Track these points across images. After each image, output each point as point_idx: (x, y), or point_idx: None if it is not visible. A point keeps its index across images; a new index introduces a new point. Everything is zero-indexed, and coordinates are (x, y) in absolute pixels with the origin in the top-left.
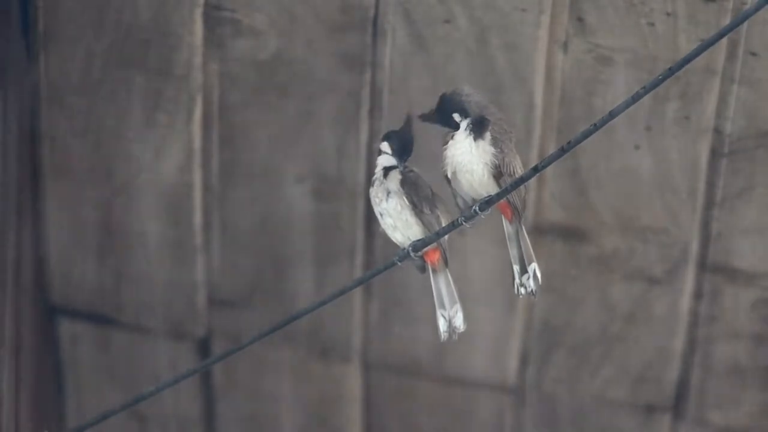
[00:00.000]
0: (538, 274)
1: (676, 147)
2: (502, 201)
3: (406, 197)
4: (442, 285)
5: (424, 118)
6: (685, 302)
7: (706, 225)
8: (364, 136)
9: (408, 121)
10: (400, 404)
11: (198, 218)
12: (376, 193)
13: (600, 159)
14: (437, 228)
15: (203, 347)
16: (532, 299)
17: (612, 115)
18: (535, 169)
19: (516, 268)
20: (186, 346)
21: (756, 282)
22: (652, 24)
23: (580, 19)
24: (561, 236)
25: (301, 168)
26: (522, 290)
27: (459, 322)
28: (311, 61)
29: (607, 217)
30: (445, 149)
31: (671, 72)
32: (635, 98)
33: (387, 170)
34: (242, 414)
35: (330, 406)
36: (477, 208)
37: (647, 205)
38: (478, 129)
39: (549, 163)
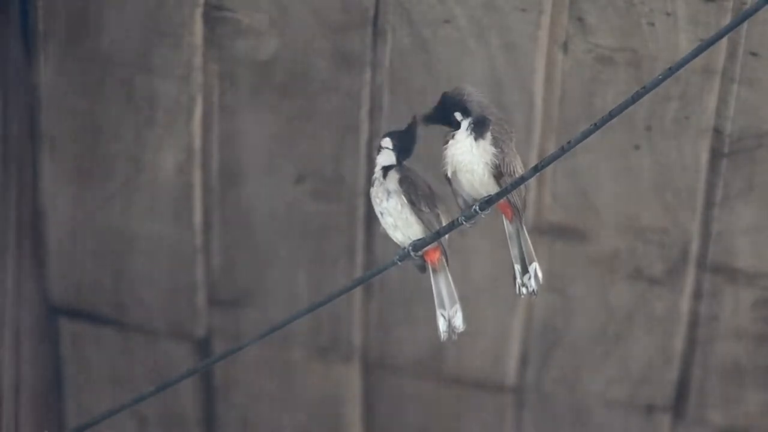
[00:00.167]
0: (539, 274)
1: (676, 147)
2: (502, 201)
3: (405, 195)
4: (442, 285)
5: (426, 118)
6: (685, 302)
7: (706, 225)
8: (364, 136)
9: (413, 123)
10: (400, 404)
11: (198, 218)
12: (376, 193)
13: (600, 159)
14: (437, 226)
15: (203, 347)
16: (533, 299)
17: (612, 115)
18: (535, 169)
19: (517, 267)
20: (186, 346)
21: (756, 282)
22: (652, 24)
23: (580, 19)
24: (561, 236)
25: (301, 168)
26: (523, 290)
27: (458, 322)
28: (311, 61)
29: (607, 217)
30: (446, 149)
31: (671, 72)
32: (635, 98)
33: (386, 170)
34: (242, 414)
35: (330, 406)
36: (477, 207)
37: (647, 205)
38: (479, 129)
39: (549, 163)
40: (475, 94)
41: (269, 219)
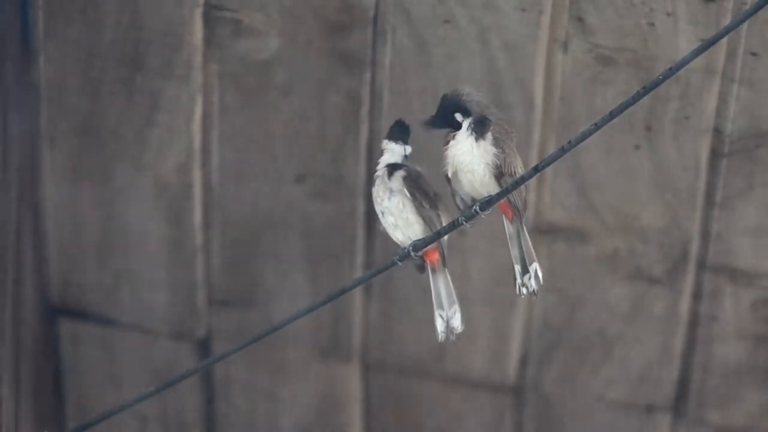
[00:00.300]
0: (540, 274)
1: (676, 147)
2: (502, 201)
3: (408, 190)
4: (441, 285)
5: (427, 123)
6: (685, 302)
7: (706, 225)
8: (364, 136)
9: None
10: (400, 404)
11: (198, 218)
12: (377, 192)
13: (600, 159)
14: (438, 225)
15: (203, 347)
16: (533, 299)
17: (612, 115)
18: (536, 169)
19: (517, 267)
20: (186, 346)
21: (756, 282)
22: (652, 24)
23: (580, 19)
24: (561, 236)
25: (301, 168)
26: (524, 290)
27: (457, 322)
28: (311, 61)
29: (607, 217)
30: (446, 149)
31: (671, 72)
32: (635, 98)
33: (391, 170)
34: (242, 414)
35: (330, 406)
36: (477, 207)
37: (647, 205)
38: (479, 129)
39: (549, 163)
40: (474, 95)
41: (269, 219)
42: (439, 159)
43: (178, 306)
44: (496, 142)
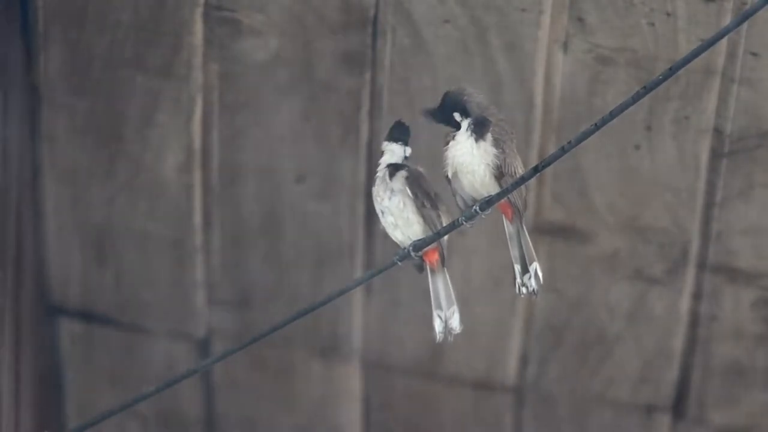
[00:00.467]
0: (540, 274)
1: (676, 147)
2: (502, 201)
3: (410, 190)
4: (440, 285)
5: (427, 114)
6: (685, 302)
7: (706, 225)
8: (364, 136)
9: (398, 123)
10: (400, 404)
11: (198, 218)
12: (377, 192)
13: (600, 159)
14: (438, 225)
15: (203, 347)
16: (533, 299)
17: (612, 115)
18: (536, 169)
19: (517, 267)
20: (186, 346)
21: (756, 282)
22: (652, 24)
23: (580, 19)
24: (561, 236)
25: (301, 168)
26: (524, 290)
27: (455, 323)
28: (311, 61)
29: (607, 217)
30: (446, 150)
31: (671, 72)
32: (635, 98)
33: (393, 170)
34: (242, 414)
35: (330, 406)
36: (478, 207)
37: (647, 205)
38: (479, 130)
39: (549, 163)
40: (475, 95)
41: (269, 219)
42: (439, 160)
43: (178, 306)
44: (496, 143)
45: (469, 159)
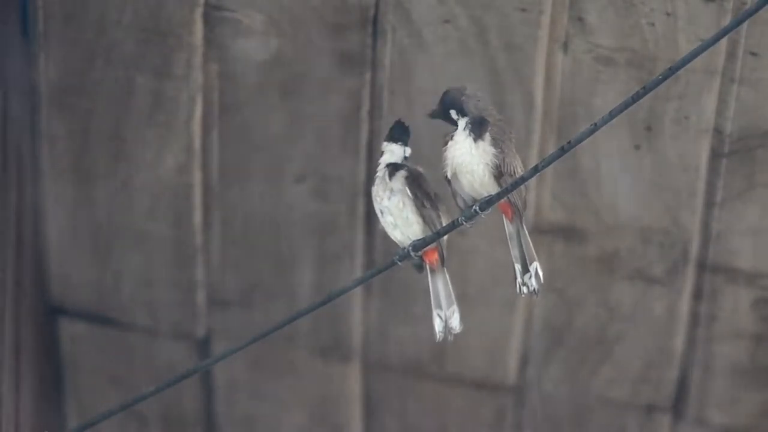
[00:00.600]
0: (540, 273)
1: (676, 147)
2: (502, 201)
3: (410, 190)
4: (440, 285)
5: (431, 114)
6: (685, 302)
7: (706, 225)
8: (364, 136)
9: (398, 123)
10: (400, 404)
11: (198, 218)
12: (377, 191)
13: (600, 159)
14: (438, 225)
15: (203, 347)
16: (534, 298)
17: (612, 115)
18: (535, 169)
19: (518, 267)
20: (186, 346)
21: (756, 282)
22: (652, 24)
23: (580, 19)
24: (561, 236)
25: (301, 168)
26: (524, 289)
27: (455, 322)
28: (311, 61)
29: (607, 217)
30: (445, 150)
31: (671, 72)
32: (635, 98)
33: (392, 170)
34: (242, 414)
35: (330, 406)
36: (477, 207)
37: (647, 205)
38: (477, 130)
39: (549, 163)
40: (474, 96)
41: (269, 219)
42: (440, 160)
43: (178, 306)
44: (495, 143)
45: (468, 159)
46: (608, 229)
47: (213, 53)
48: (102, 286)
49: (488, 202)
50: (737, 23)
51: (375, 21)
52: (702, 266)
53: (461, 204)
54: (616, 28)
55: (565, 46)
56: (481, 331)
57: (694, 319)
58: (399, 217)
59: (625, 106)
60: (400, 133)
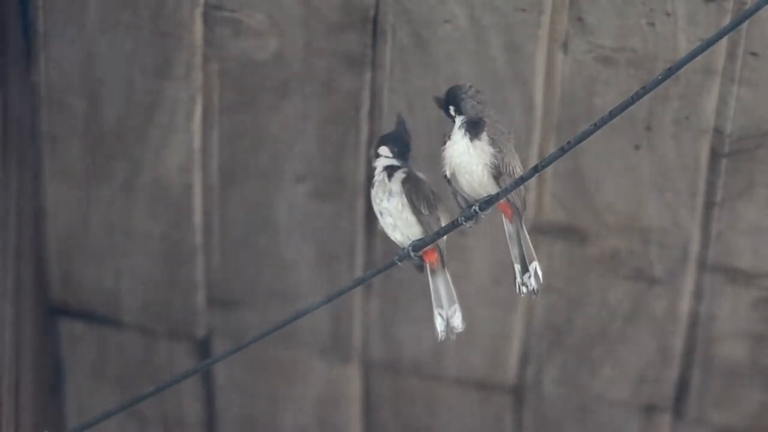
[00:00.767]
0: (540, 273)
1: (676, 147)
2: (502, 201)
3: (406, 196)
4: (441, 285)
5: (435, 100)
6: (685, 302)
7: (706, 225)
8: (364, 136)
9: (399, 121)
10: (400, 404)
11: (198, 218)
12: (376, 193)
13: (600, 159)
14: (436, 229)
15: (203, 347)
16: (533, 298)
17: (612, 115)
18: (535, 169)
19: (517, 267)
20: (186, 346)
21: (756, 282)
22: (652, 24)
23: (580, 19)
24: (561, 236)
25: (301, 168)
26: (524, 289)
27: (457, 322)
28: (311, 61)
29: (607, 217)
30: (444, 150)
31: (671, 72)
32: (635, 98)
33: (391, 171)
34: (242, 414)
35: (330, 406)
36: (477, 207)
37: (647, 205)
38: (473, 129)
39: (549, 163)
40: (474, 96)
41: (269, 219)
42: (438, 159)
43: (178, 306)
44: (493, 143)
45: (467, 159)
46: (608, 229)
47: (213, 53)
48: (102, 286)
49: (488, 202)
50: (737, 23)
51: (375, 21)
52: (702, 266)
53: (462, 203)
54: (616, 28)
55: (565, 46)
56: (481, 331)
57: (694, 319)
58: (398, 218)
59: (625, 106)
60: (403, 149)
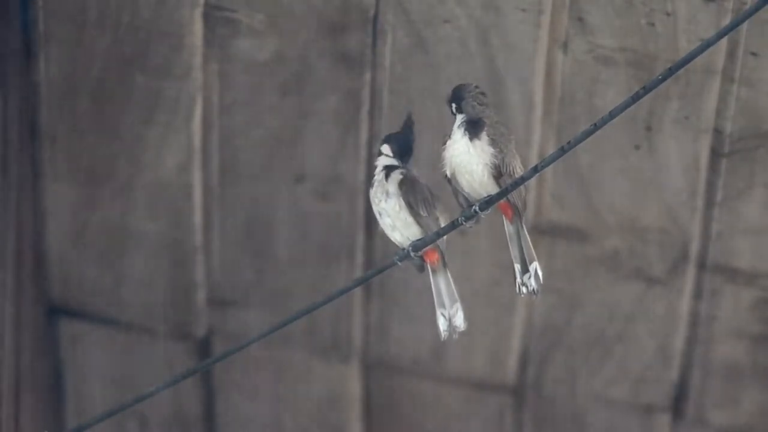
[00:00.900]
0: (540, 273)
1: (676, 147)
2: (502, 201)
3: (403, 198)
4: (442, 284)
5: (446, 96)
6: (685, 302)
7: (706, 225)
8: (364, 136)
9: (408, 122)
10: (400, 404)
11: (198, 218)
12: (375, 193)
13: (600, 159)
14: (435, 229)
15: (203, 347)
16: (533, 298)
17: (612, 115)
18: (535, 169)
19: (517, 267)
20: (186, 346)
21: (756, 282)
22: (652, 24)
23: (580, 19)
24: (561, 236)
25: (301, 168)
26: (524, 289)
27: (459, 321)
28: (311, 61)
29: (607, 217)
30: (444, 149)
31: (671, 72)
32: (635, 98)
33: (388, 171)
34: (242, 414)
35: (330, 406)
36: (477, 207)
37: (647, 205)
38: (472, 129)
39: (549, 163)
40: (477, 97)
41: (269, 219)
42: (438, 159)
43: (178, 306)
44: (493, 143)
45: (467, 159)
46: (608, 229)
47: (213, 53)
48: (102, 286)
49: (488, 203)
50: (737, 23)
51: (375, 21)
52: (702, 266)
53: (463, 202)
54: (616, 28)
55: (565, 46)
56: (481, 331)
57: (694, 319)
58: (397, 219)
59: (625, 106)
60: (403, 152)
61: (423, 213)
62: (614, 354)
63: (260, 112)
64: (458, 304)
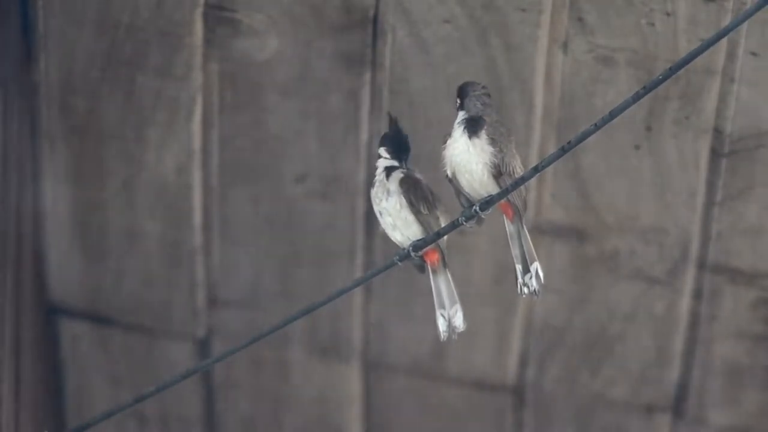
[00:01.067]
0: (541, 273)
1: (676, 147)
2: (503, 201)
3: (404, 196)
4: (442, 285)
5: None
6: (685, 302)
7: (706, 225)
8: (364, 136)
9: (392, 122)
10: (400, 404)
11: (198, 218)
12: (376, 193)
13: (600, 159)
14: (436, 229)
15: (203, 347)
16: (534, 298)
17: (612, 115)
18: (535, 169)
19: (518, 267)
20: (186, 346)
21: (756, 282)
22: (652, 24)
23: (580, 19)
24: (561, 236)
25: (301, 168)
26: (525, 289)
27: (459, 321)
28: (311, 61)
29: (607, 217)
30: (444, 149)
31: (671, 72)
32: (635, 98)
33: (389, 171)
34: (242, 414)
35: (330, 406)
36: (477, 207)
37: (647, 205)
38: (471, 128)
39: (549, 163)
40: (480, 97)
41: (269, 219)
42: (439, 159)
43: (178, 306)
44: (493, 142)
45: (467, 158)
46: (608, 229)
47: (213, 53)
48: (102, 286)
49: (488, 202)
50: (737, 23)
51: (375, 21)
52: (702, 266)
53: (465, 203)
54: (616, 28)
55: (565, 46)
56: (481, 331)
57: (694, 319)
58: (398, 218)
59: (625, 106)
60: (400, 152)
61: (424, 210)
62: (614, 354)
63: (260, 112)
64: (458, 305)
